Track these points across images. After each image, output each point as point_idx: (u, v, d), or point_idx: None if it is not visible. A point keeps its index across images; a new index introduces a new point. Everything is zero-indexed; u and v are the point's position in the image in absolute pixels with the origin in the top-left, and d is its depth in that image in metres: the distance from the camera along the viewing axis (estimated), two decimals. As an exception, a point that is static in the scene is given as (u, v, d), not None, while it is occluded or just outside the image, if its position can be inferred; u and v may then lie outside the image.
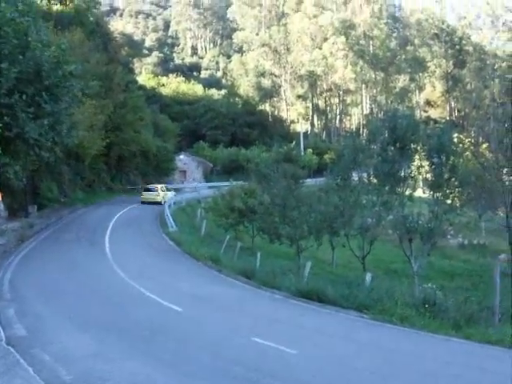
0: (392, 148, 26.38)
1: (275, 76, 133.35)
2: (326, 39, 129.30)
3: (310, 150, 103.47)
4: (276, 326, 16.58)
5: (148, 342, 13.87)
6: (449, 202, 26.65)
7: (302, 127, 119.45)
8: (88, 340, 13.83)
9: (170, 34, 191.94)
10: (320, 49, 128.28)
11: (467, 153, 32.93)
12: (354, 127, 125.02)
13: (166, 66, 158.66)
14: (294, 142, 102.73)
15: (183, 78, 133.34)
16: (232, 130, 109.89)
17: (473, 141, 35.30)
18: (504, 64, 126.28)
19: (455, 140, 29.32)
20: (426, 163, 26.68)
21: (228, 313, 17.78)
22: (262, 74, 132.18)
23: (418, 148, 27.43)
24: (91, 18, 69.65)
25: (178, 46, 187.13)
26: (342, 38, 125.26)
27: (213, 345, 13.80)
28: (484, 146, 35.58)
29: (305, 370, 12.29)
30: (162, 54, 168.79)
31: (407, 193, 27.68)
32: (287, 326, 16.70)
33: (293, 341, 14.31)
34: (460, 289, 26.67)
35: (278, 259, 31.92)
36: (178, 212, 49.76)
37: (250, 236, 38.30)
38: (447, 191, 26.45)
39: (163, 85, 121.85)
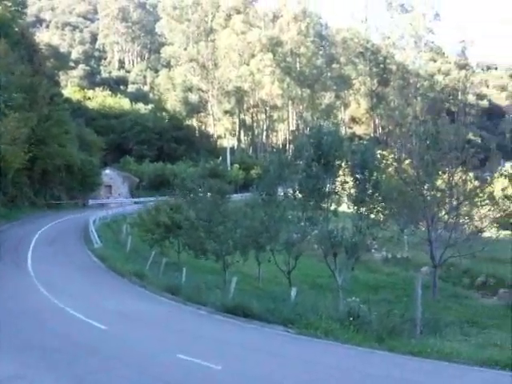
0: (317, 164, 26.69)
1: (202, 91, 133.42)
2: (253, 55, 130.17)
3: (237, 165, 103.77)
4: (201, 341, 16.53)
5: (72, 361, 13.53)
6: (372, 216, 27.15)
7: (228, 142, 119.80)
8: (8, 361, 13.36)
9: (97, 46, 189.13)
10: (247, 65, 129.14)
11: (390, 169, 33.70)
12: (280, 143, 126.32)
13: (92, 79, 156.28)
14: (220, 158, 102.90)
15: (110, 92, 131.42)
16: (159, 144, 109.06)
17: (396, 157, 36.04)
18: (426, 83, 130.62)
19: (378, 156, 29.94)
20: (350, 179, 27.14)
21: (153, 330, 17.61)
22: (190, 89, 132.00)
23: (342, 164, 27.87)
24: (16, 29, 68.46)
25: (105, 59, 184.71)
26: (270, 55, 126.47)
27: (138, 362, 13.63)
28: (406, 162, 36.32)
29: (230, 386, 12.30)
30: (88, 67, 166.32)
31: (332, 208, 28.02)
32: (212, 341, 16.65)
33: (218, 356, 14.24)
34: (384, 302, 27.13)
35: (205, 275, 31.80)
36: (103, 228, 49.04)
37: (175, 251, 38.07)
38: (371, 206, 26.96)
39: (89, 98, 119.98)
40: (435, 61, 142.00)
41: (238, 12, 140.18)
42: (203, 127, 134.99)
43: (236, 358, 14.61)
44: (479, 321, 25.84)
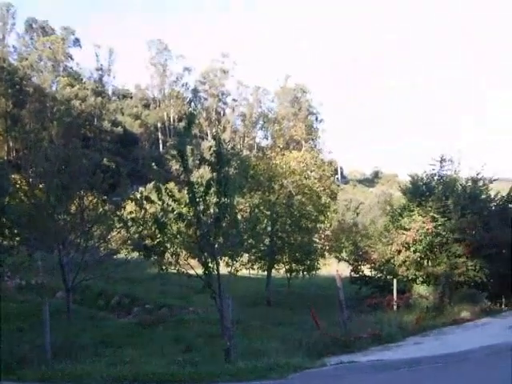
0: None
1: None
2: None
3: None
4: None
5: None
6: (1, 242, 26.45)
7: None
8: None
9: None
10: None
11: (21, 193, 33.08)
12: None
13: None
14: None
15: None
16: None
17: (27, 181, 35.52)
18: (63, 107, 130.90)
19: (11, 180, 29.30)
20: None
21: None
22: None
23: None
24: None
25: None
26: None
27: None
28: (40, 186, 35.94)
29: None
30: None
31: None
32: None
33: None
34: (16, 331, 26.39)
35: None
36: None
37: None
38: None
39: None
40: (73, 86, 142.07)
41: None
42: None
43: None
44: (114, 340, 26.62)
